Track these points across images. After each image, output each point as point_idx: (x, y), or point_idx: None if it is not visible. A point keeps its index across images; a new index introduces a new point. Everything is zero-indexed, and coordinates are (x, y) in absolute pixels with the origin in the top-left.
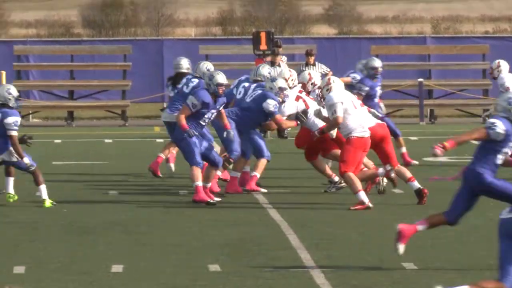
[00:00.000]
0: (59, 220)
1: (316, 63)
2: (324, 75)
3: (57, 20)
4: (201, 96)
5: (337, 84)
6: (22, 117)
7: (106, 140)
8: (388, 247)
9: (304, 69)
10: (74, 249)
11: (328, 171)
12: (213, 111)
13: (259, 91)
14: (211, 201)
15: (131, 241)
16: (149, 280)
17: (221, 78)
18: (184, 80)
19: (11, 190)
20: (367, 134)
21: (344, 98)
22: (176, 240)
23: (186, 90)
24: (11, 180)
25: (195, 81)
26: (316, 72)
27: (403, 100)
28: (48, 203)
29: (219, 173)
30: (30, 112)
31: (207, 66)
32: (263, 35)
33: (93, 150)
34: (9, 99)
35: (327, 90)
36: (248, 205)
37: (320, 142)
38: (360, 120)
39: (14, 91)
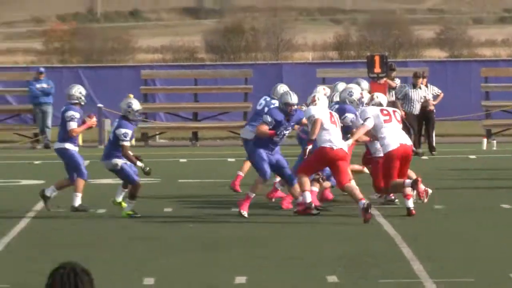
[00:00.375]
0: (181, 235)
1: (428, 85)
2: (435, 96)
3: (181, 46)
4: (273, 115)
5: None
6: (150, 137)
7: (229, 159)
8: (498, 260)
9: (410, 89)
10: (199, 262)
11: None
12: (287, 128)
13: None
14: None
15: (252, 255)
16: None
17: (289, 98)
18: (263, 102)
19: (119, 198)
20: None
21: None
22: (294, 253)
23: (263, 109)
24: (123, 191)
25: (274, 102)
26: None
27: (510, 120)
28: (125, 214)
29: (315, 188)
30: (157, 133)
31: (283, 88)
32: (377, 58)
33: (217, 168)
34: (129, 112)
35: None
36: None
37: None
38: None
39: (83, 90)
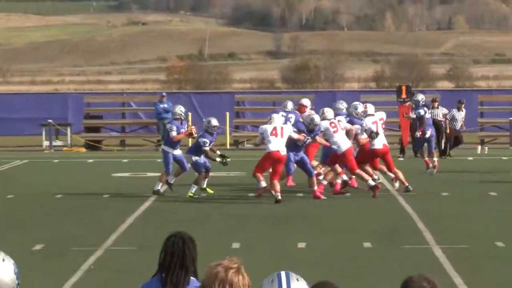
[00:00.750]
0: (258, 212)
1: (440, 106)
2: (444, 115)
3: (264, 78)
4: (298, 127)
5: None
6: (240, 143)
7: None
8: (487, 232)
9: (429, 111)
10: (270, 232)
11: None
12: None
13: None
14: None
15: (311, 226)
16: (328, 254)
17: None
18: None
19: (204, 185)
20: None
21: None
22: (339, 226)
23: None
24: (205, 180)
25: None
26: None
27: (498, 133)
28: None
29: (324, 182)
30: (245, 140)
31: (290, 104)
32: (403, 88)
33: None
34: (208, 126)
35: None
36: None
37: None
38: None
39: (183, 109)
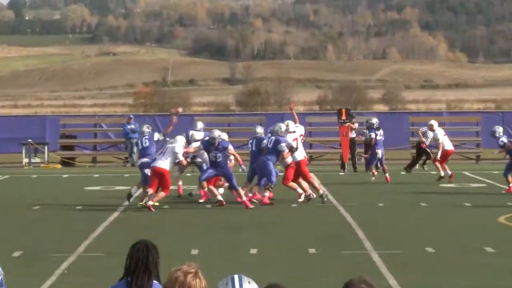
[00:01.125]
0: (219, 222)
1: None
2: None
3: (220, 102)
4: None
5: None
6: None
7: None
8: (418, 238)
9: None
10: (226, 238)
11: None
12: None
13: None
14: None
15: (261, 234)
16: (277, 259)
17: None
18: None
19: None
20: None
21: None
22: (288, 233)
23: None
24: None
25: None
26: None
27: None
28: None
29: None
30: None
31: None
32: (343, 110)
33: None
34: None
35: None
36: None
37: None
38: None
39: (150, 127)
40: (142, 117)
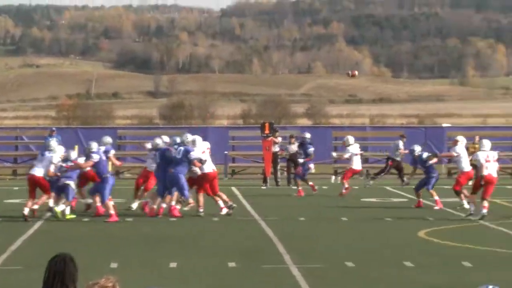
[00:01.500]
0: (140, 234)
1: (295, 142)
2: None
3: (144, 115)
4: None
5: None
6: (120, 172)
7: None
8: (338, 252)
9: (289, 146)
10: (147, 251)
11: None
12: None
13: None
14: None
15: (182, 247)
16: (197, 273)
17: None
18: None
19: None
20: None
21: None
22: (208, 246)
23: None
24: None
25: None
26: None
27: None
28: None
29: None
30: (125, 170)
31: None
32: (267, 124)
33: None
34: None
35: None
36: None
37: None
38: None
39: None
40: (64, 130)
